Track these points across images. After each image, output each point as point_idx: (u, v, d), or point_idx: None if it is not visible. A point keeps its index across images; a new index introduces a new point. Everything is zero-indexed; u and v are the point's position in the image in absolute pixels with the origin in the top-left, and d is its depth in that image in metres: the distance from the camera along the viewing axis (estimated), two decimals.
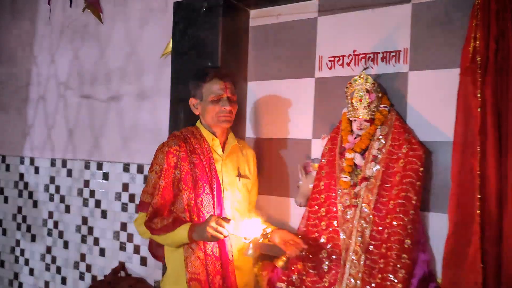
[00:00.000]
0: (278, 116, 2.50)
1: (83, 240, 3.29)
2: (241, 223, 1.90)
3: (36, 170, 3.60)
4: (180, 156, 1.95)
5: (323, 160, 2.18)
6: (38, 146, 3.62)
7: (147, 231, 1.91)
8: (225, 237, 1.79)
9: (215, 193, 1.95)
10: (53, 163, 3.51)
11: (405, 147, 1.99)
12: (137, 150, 3.08)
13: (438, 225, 2.01)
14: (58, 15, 3.55)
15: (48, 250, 3.50)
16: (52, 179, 3.51)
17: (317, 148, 2.35)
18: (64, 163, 3.44)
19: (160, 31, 2.96)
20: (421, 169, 1.96)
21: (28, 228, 3.62)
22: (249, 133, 2.60)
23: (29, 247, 3.62)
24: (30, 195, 3.62)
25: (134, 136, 3.10)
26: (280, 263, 1.97)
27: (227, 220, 1.79)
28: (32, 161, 3.62)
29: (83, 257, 3.29)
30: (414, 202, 1.93)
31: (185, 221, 1.87)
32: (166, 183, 1.92)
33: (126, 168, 3.10)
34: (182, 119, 2.54)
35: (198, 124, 2.11)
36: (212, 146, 2.03)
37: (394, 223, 1.92)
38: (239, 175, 2.07)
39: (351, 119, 2.11)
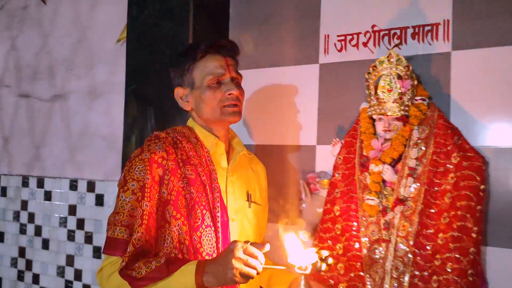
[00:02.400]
0: (270, 116, 1.90)
1: (20, 277, 2.63)
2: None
3: None
4: (169, 168, 1.31)
5: (336, 175, 1.57)
6: None
7: (122, 284, 1.20)
8: (258, 273, 1.12)
9: (219, 225, 1.31)
10: None
11: (455, 155, 1.41)
12: (87, 162, 2.45)
13: (501, 265, 1.43)
14: None
15: None
16: None
17: (323, 157, 1.76)
18: None
19: (116, 11, 2.38)
20: (482, 186, 1.38)
21: None
22: None
23: None
24: None
25: (83, 144, 2.47)
26: None
27: (260, 246, 1.12)
28: None
29: None
30: (474, 235, 1.34)
31: (185, 260, 1.20)
32: (152, 207, 1.26)
33: (73, 185, 2.46)
34: (141, 121, 1.91)
35: (190, 123, 1.46)
36: (214, 153, 1.41)
37: (448, 268, 1.32)
38: (249, 200, 1.43)
39: (374, 117, 1.52)
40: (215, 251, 1.28)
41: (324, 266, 1.12)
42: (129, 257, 1.20)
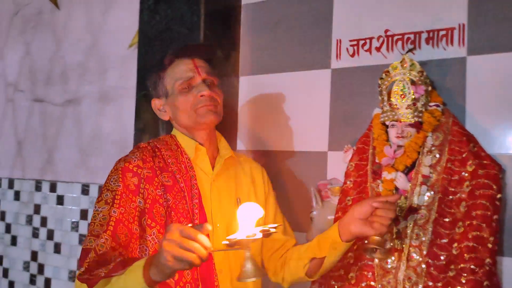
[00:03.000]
0: (281, 121, 1.87)
1: (32, 281, 2.64)
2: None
3: None
4: (145, 176, 1.29)
5: (348, 182, 1.54)
6: None
7: None
8: (202, 259, 0.98)
9: None
10: None
11: (470, 163, 1.37)
12: (99, 167, 2.45)
13: None
14: (6, 1, 2.92)
15: None
16: None
17: (335, 164, 1.73)
18: (11, 184, 2.79)
19: (128, 17, 2.37)
20: (499, 195, 1.34)
21: None
22: (241, 144, 1.95)
23: None
24: None
25: (95, 149, 2.48)
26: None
27: (200, 227, 1.00)
28: None
29: None
30: (490, 245, 1.30)
31: (141, 258, 1.17)
32: (122, 214, 1.22)
33: (85, 190, 2.46)
34: (151, 125, 1.90)
35: (173, 131, 1.46)
36: (195, 160, 1.37)
37: (463, 279, 1.28)
38: (238, 204, 1.37)
39: (387, 123, 1.49)
40: None
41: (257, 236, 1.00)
42: (90, 263, 1.13)
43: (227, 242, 1.02)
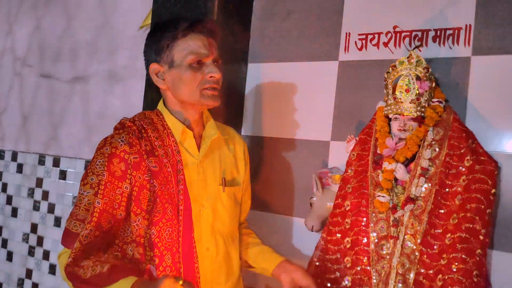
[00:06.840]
0: (286, 110, 1.92)
1: (31, 252, 2.68)
2: None
3: None
4: (132, 162, 1.27)
5: (349, 171, 1.59)
6: None
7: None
8: None
9: (181, 218, 1.29)
10: (1, 155, 2.88)
11: (468, 158, 1.43)
12: None
13: (505, 270, 1.45)
14: None
15: None
16: None
17: (337, 153, 1.78)
18: (14, 156, 2.82)
19: None
20: (493, 190, 1.40)
21: None
22: (246, 129, 2.00)
23: None
24: None
25: (100, 127, 2.51)
26: None
27: (189, 285, 1.08)
28: None
29: (29, 273, 2.67)
30: (482, 237, 1.36)
31: (126, 270, 1.18)
32: (105, 204, 1.23)
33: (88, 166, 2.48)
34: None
35: (160, 107, 1.42)
36: (181, 142, 1.37)
37: (453, 267, 1.34)
38: (224, 183, 1.40)
39: (390, 116, 1.54)
40: (175, 245, 1.28)
41: None
42: (76, 253, 1.18)
43: None
